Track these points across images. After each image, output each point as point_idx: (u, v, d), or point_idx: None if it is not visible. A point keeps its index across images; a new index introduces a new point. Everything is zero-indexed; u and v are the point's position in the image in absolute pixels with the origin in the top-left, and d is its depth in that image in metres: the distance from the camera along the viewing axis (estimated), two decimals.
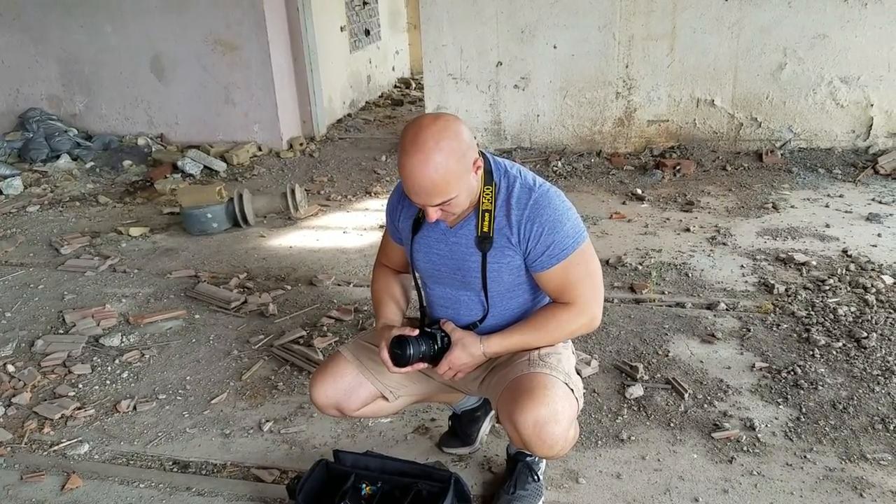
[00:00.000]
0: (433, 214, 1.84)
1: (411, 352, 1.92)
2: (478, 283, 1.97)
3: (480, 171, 1.87)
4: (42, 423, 2.76)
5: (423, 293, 2.16)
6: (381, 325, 2.08)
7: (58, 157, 6.22)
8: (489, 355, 1.98)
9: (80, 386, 3.01)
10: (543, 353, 1.96)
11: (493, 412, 2.49)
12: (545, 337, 1.96)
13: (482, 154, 1.91)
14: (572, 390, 1.91)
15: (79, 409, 2.84)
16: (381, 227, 4.51)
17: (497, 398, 1.94)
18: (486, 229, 1.90)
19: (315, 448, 2.55)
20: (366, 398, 2.11)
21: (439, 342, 1.97)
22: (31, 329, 3.50)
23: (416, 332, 1.97)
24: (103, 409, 2.84)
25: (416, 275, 2.13)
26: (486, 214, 1.90)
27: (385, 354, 1.94)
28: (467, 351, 1.95)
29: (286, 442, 2.59)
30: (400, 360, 1.93)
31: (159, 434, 2.68)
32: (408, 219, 2.05)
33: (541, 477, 2.23)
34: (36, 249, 4.52)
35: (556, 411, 1.80)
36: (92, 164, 6.18)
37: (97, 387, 3.00)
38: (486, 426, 2.48)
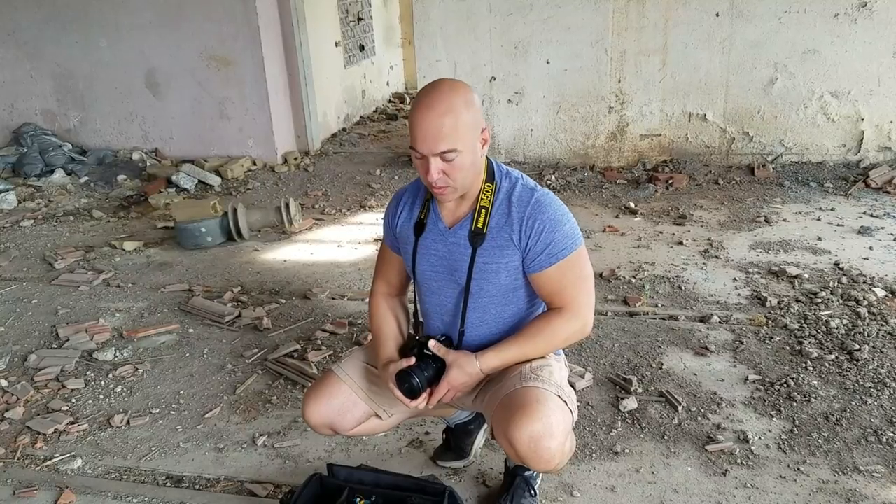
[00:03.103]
0: (434, 173, 1.80)
1: (418, 382, 1.90)
2: (464, 279, 1.96)
3: (486, 147, 1.88)
4: (35, 438, 2.74)
5: (419, 302, 2.14)
6: (383, 363, 2.04)
7: (52, 171, 6.23)
8: (486, 371, 1.95)
9: (74, 400, 3.00)
10: (535, 367, 1.95)
11: (486, 425, 2.48)
12: (540, 347, 1.95)
13: (486, 156, 1.93)
14: (565, 402, 1.89)
15: (72, 423, 2.83)
16: (377, 240, 4.52)
17: (491, 415, 1.93)
18: (480, 225, 1.91)
19: (309, 462, 2.54)
20: (360, 417, 2.09)
21: (438, 362, 1.95)
22: (25, 344, 3.49)
23: (413, 359, 1.95)
24: (96, 424, 2.84)
25: (415, 283, 2.11)
26: (483, 211, 1.91)
27: (399, 393, 1.92)
28: (464, 371, 1.93)
29: (280, 456, 2.59)
30: (412, 392, 1.92)
31: (153, 449, 2.67)
32: (409, 222, 2.04)
33: (537, 491, 2.23)
34: (30, 264, 4.52)
35: (550, 425, 1.78)
36: (86, 178, 6.18)
37: (90, 401, 2.99)
38: (480, 439, 2.48)
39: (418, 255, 2.02)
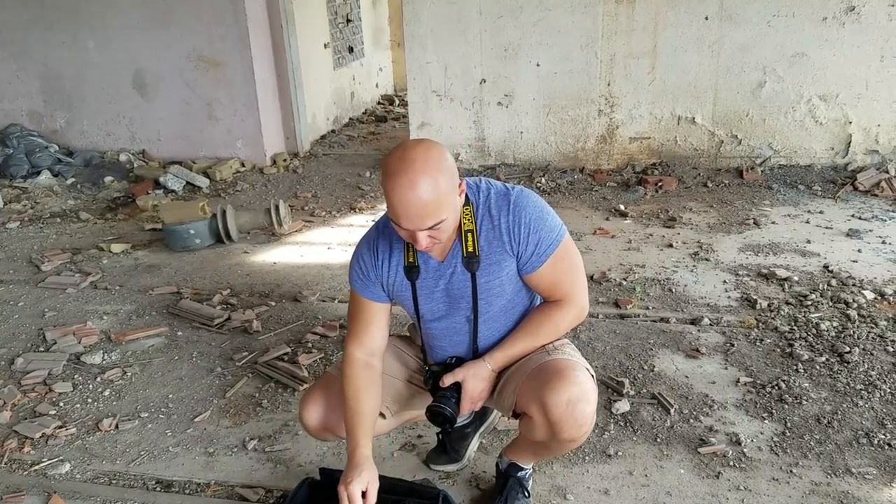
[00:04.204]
0: (423, 241, 1.76)
1: (450, 411, 1.92)
2: (471, 303, 1.96)
3: (464, 195, 1.85)
4: (22, 443, 2.71)
5: (421, 332, 2.13)
6: (356, 456, 1.88)
7: (38, 173, 6.17)
8: (497, 369, 2.00)
9: (61, 404, 2.96)
10: (558, 345, 2.00)
11: (482, 428, 2.48)
12: (543, 339, 1.99)
13: None
14: (592, 377, 1.93)
15: (60, 427, 2.80)
16: None
17: (518, 388, 1.93)
18: (471, 249, 1.90)
19: (300, 466, 2.52)
20: None
21: (456, 388, 1.97)
22: (11, 347, 3.45)
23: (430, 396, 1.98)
24: (85, 428, 2.80)
25: (418, 320, 2.08)
26: (469, 234, 1.90)
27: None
28: (479, 377, 1.97)
29: (271, 460, 2.56)
30: (448, 422, 1.94)
31: (142, 453, 2.64)
32: (397, 269, 1.98)
33: (530, 493, 2.22)
34: (16, 266, 4.47)
35: (586, 391, 1.82)
36: (73, 180, 6.13)
37: (78, 405, 2.96)
38: (474, 443, 2.47)
39: (420, 297, 1.99)
